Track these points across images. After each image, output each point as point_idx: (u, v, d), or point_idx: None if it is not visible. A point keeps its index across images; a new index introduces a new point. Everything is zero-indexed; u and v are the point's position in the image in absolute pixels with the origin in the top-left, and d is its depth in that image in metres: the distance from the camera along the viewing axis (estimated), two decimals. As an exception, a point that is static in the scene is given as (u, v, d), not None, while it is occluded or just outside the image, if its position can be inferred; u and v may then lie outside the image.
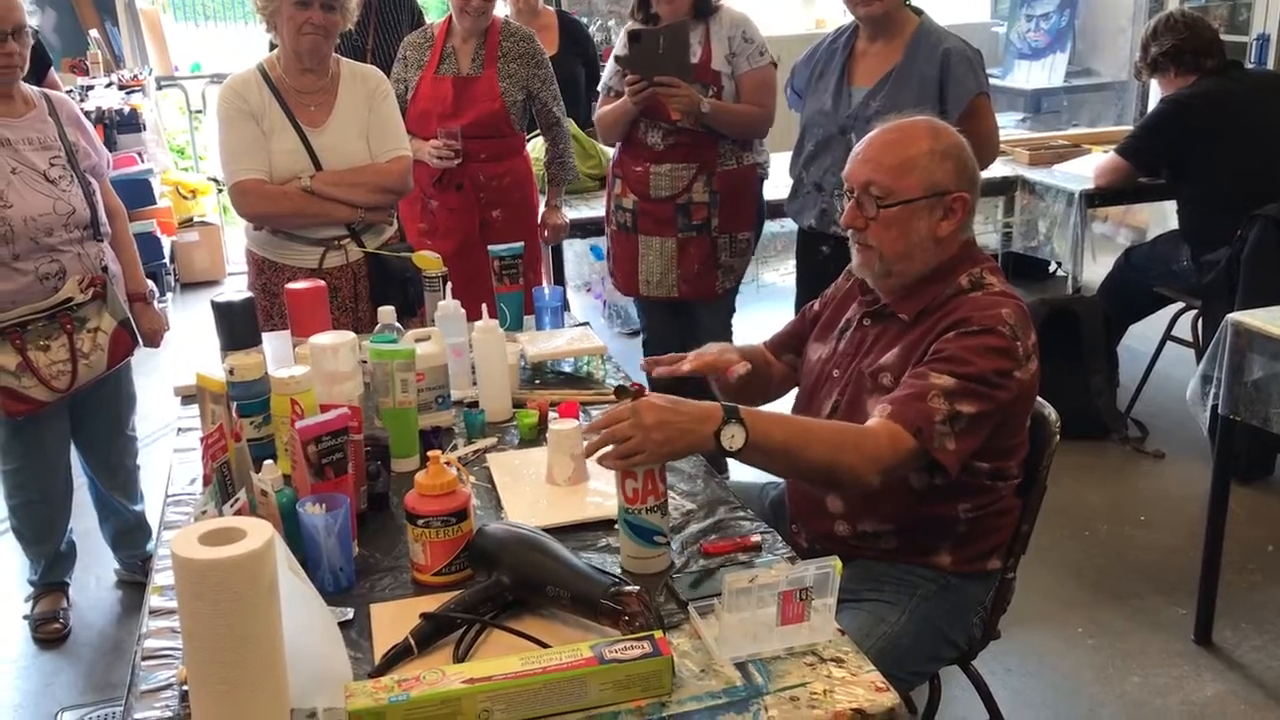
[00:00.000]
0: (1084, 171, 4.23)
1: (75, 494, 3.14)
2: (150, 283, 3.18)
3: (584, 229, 4.14)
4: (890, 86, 3.06)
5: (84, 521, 3.34)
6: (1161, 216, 5.24)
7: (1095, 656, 2.85)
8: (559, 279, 4.45)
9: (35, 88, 2.89)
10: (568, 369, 2.45)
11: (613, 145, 3.57)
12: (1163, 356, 4.09)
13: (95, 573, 3.37)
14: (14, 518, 3.06)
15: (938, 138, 1.86)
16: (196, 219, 6.38)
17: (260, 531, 1.24)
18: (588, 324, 2.68)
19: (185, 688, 1.36)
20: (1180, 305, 3.99)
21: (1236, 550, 2.86)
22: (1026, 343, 1.79)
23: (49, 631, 3.05)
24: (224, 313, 2.19)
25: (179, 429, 2.26)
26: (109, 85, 6.15)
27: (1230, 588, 2.88)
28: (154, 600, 1.61)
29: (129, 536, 3.25)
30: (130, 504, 3.23)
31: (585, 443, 1.66)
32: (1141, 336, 4.27)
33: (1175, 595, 3.03)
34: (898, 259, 1.87)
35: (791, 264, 3.79)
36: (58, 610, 3.10)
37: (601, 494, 1.85)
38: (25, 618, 3.11)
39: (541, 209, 3.79)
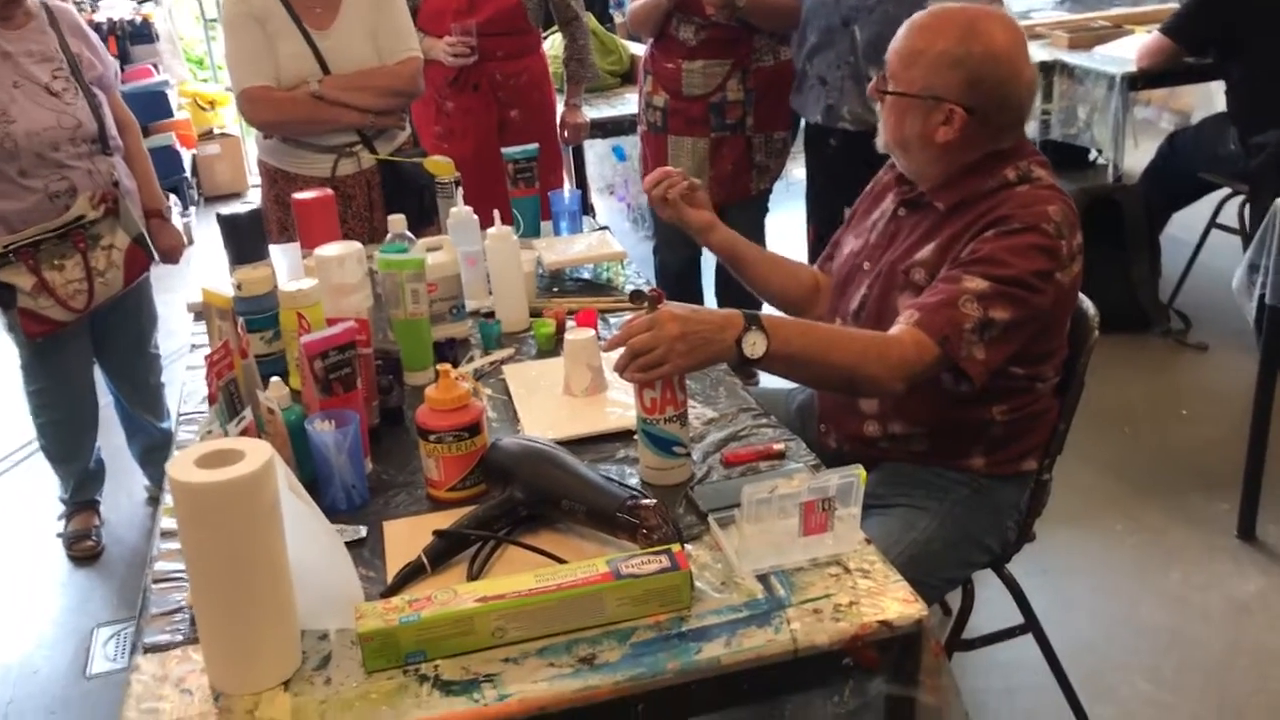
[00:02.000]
0: (1126, 54, 4.05)
1: (102, 412, 3.14)
2: (173, 197, 3.12)
3: (605, 129, 4.04)
4: None
5: (113, 439, 3.34)
6: (1207, 99, 5.03)
7: (1135, 554, 2.80)
8: (580, 182, 4.36)
9: None
10: (587, 276, 2.37)
11: (644, 41, 3.44)
12: (1207, 245, 3.96)
13: (127, 489, 3.38)
14: (42, 437, 3.07)
15: (966, 41, 1.69)
16: (217, 131, 6.31)
17: (259, 452, 1.19)
18: (607, 228, 2.61)
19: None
20: (1226, 191, 3.85)
21: (1279, 442, 2.78)
22: (1071, 243, 1.70)
23: (82, 549, 3.07)
24: (230, 226, 2.13)
25: (192, 346, 2.23)
26: (120, -5, 6.05)
27: (1273, 481, 2.81)
28: (164, 522, 1.58)
29: (157, 453, 3.24)
30: (157, 421, 3.22)
31: (606, 356, 1.61)
32: (1185, 225, 4.13)
33: (1218, 490, 2.96)
34: (894, 146, 1.81)
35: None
36: (90, 528, 3.11)
37: (620, 404, 1.79)
38: (59, 536, 3.14)
39: (560, 109, 3.68)
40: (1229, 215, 3.85)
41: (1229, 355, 3.73)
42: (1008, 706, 2.31)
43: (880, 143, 1.85)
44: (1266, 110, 3.47)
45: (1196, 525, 2.88)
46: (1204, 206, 3.96)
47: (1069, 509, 2.89)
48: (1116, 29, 4.39)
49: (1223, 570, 2.71)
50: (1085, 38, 4.32)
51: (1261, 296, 2.61)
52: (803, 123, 3.43)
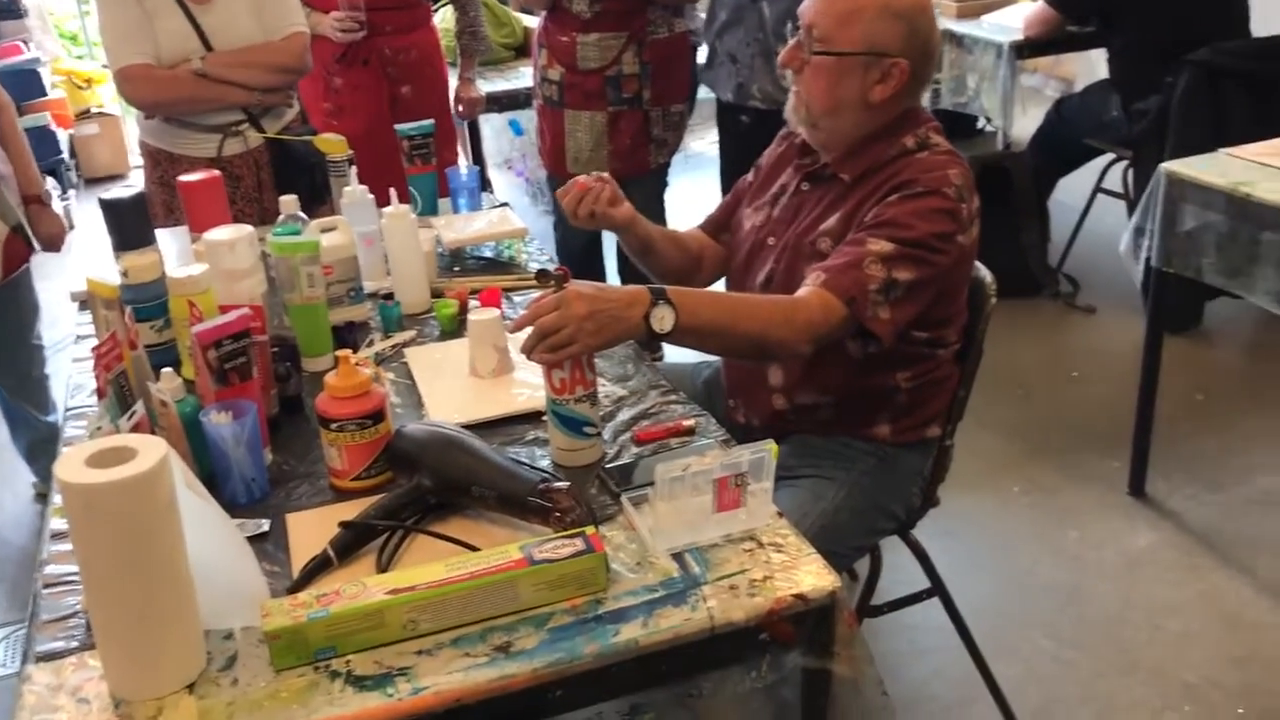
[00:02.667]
0: (1013, 22, 4.13)
1: (-19, 407, 3.00)
2: (51, 180, 2.98)
3: (501, 102, 3.98)
4: None
5: (-4, 435, 3.20)
6: (1090, 67, 5.16)
7: (1032, 514, 2.88)
8: (477, 157, 4.29)
9: None
10: (488, 254, 2.34)
11: (538, 14, 3.38)
12: (1093, 209, 4.07)
13: (12, 488, 3.25)
14: (-81, 434, 2.92)
15: None
16: (95, 110, 6.06)
17: (153, 449, 1.14)
18: (508, 205, 2.57)
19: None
20: (1111, 156, 3.95)
21: (1167, 401, 2.88)
22: (971, 206, 1.73)
23: (-35, 550, 2.95)
24: (113, 210, 2.03)
25: (78, 337, 2.13)
26: (-18, -32, 5.74)
27: (1161, 438, 2.91)
28: (54, 523, 1.51)
29: (43, 448, 3.11)
30: (41, 414, 3.09)
31: (513, 336, 1.57)
32: (1072, 190, 4.23)
33: (1109, 449, 3.05)
34: (823, 113, 1.77)
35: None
36: (-27, 528, 2.99)
37: (528, 385, 1.77)
38: (-60, 537, 3.00)
39: (454, 83, 3.61)
40: (1114, 180, 3.96)
41: (1116, 316, 3.85)
42: (917, 668, 2.36)
43: (798, 115, 1.81)
44: (1147, 77, 3.57)
45: (1090, 484, 2.97)
46: (1089, 172, 4.07)
47: (969, 473, 2.94)
48: (1003, -2, 4.47)
49: (1116, 527, 2.80)
50: (973, 7, 4.38)
51: (1147, 259, 2.69)
52: (713, 99, 3.42)
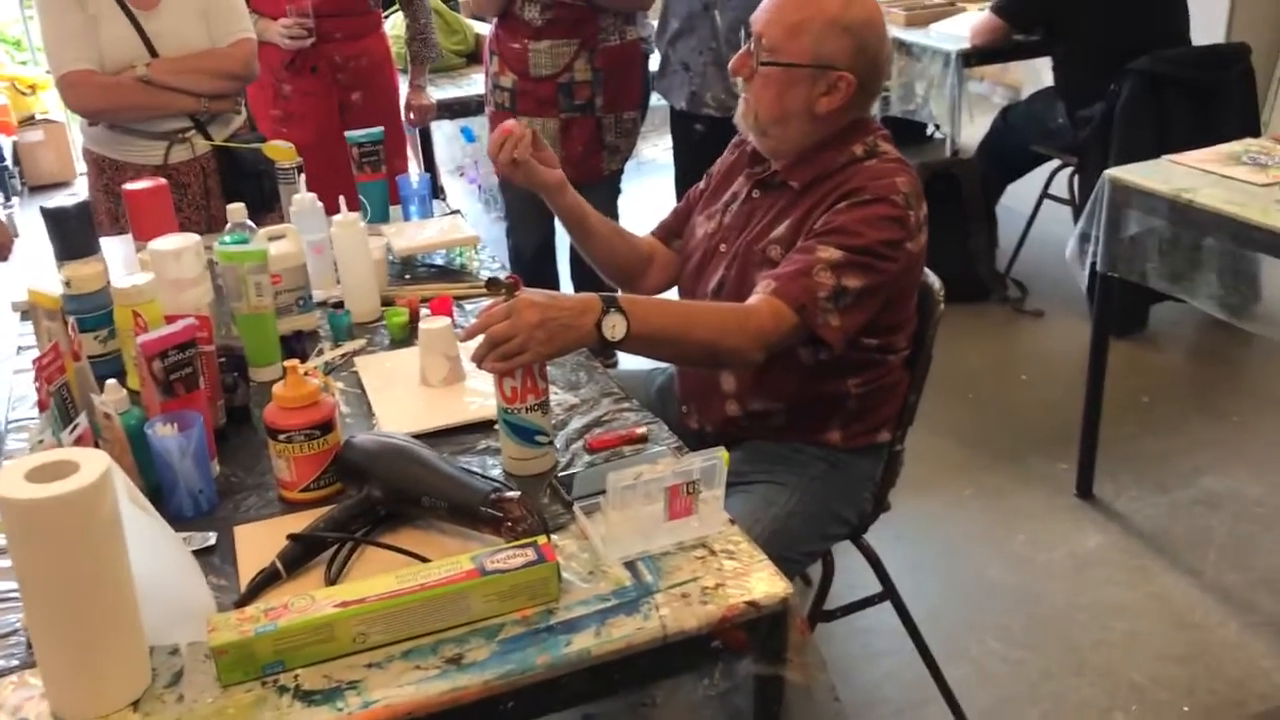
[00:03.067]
0: (960, 31, 4.18)
1: (-80, 420, 2.93)
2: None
3: (452, 109, 3.97)
4: None
5: (-66, 448, 3.13)
6: (1036, 74, 5.23)
7: (982, 517, 2.91)
8: (429, 164, 4.27)
9: None
10: (439, 262, 2.32)
11: (489, 21, 3.37)
12: (1040, 215, 4.12)
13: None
14: None
15: (849, 7, 1.72)
16: (39, 116, 5.96)
17: (95, 463, 1.12)
18: (459, 212, 2.55)
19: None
20: (1057, 163, 4.01)
21: (1112, 404, 2.92)
22: (919, 213, 1.74)
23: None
24: (56, 219, 2.00)
25: (19, 347, 2.10)
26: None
27: (1108, 441, 2.95)
28: (-6, 538, 1.48)
29: (-16, 461, 3.05)
30: (-18, 427, 3.03)
31: (464, 345, 1.56)
32: (1019, 196, 4.29)
33: (1057, 451, 3.10)
34: (771, 122, 1.79)
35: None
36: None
37: (479, 394, 1.76)
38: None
39: (405, 90, 3.60)
40: (1060, 186, 4.02)
41: (1063, 321, 3.91)
42: (869, 671, 2.38)
43: (747, 121, 1.82)
44: (1091, 85, 3.63)
45: (1038, 486, 3.01)
46: (1035, 178, 4.12)
47: (918, 477, 2.96)
48: (950, 6, 4.52)
49: (1063, 528, 2.84)
50: (921, 15, 4.44)
51: (1093, 264, 2.73)
52: (666, 106, 3.42)
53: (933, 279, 1.95)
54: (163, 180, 2.28)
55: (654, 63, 3.46)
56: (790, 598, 1.30)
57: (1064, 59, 3.89)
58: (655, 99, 3.50)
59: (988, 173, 4.09)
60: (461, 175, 5.47)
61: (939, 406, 3.31)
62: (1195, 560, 2.69)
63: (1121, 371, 3.44)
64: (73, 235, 1.99)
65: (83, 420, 1.47)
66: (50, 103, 6.06)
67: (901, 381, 1.94)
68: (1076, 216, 2.87)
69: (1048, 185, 4.07)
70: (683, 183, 3.54)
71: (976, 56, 4.15)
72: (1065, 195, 3.99)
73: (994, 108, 4.66)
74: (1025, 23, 3.94)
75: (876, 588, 2.09)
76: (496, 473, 1.57)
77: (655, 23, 3.39)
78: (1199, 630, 2.47)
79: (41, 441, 1.45)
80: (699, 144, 3.23)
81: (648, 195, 4.28)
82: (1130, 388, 3.42)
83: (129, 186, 2.22)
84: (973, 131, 4.44)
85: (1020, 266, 4.17)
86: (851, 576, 2.13)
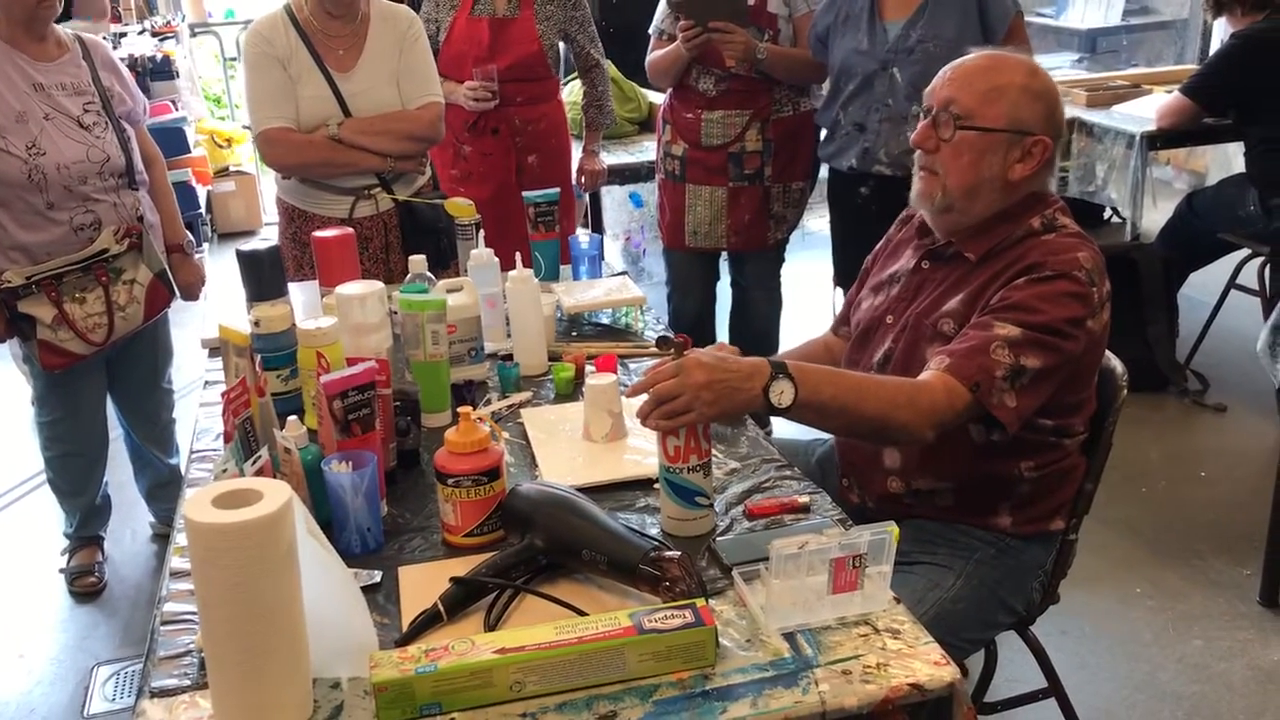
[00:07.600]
0: (1145, 113, 4.06)
1: (111, 446, 3.10)
2: (188, 233, 3.11)
3: (622, 175, 4.04)
4: (929, 14, 2.93)
5: (119, 474, 3.31)
6: (1224, 160, 5.04)
7: (1155, 618, 2.75)
8: (597, 227, 4.35)
9: (69, 30, 2.80)
10: (606, 320, 2.35)
11: (663, 91, 3.44)
12: (1226, 306, 3.93)
13: (131, 526, 3.34)
14: (50, 470, 3.03)
15: (1034, 76, 1.74)
16: (232, 168, 6.33)
17: (278, 493, 1.16)
18: (626, 273, 2.59)
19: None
20: (1245, 252, 3.83)
21: (1303, 508, 2.73)
22: (1101, 290, 1.68)
23: (84, 585, 3.03)
24: (249, 262, 2.10)
25: (206, 382, 2.20)
26: (141, 32, 6.08)
27: (1297, 547, 2.76)
28: (175, 561, 1.54)
29: (164, 490, 3.20)
30: (165, 457, 3.19)
31: (628, 401, 1.57)
32: (1202, 286, 4.11)
33: (1238, 555, 2.91)
34: (962, 193, 1.74)
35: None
36: (93, 564, 3.07)
37: (641, 451, 1.76)
38: (61, 571, 3.09)
39: (578, 155, 3.68)
40: (1248, 276, 3.83)
41: (1248, 417, 3.69)
42: (1027, 772, 2.25)
43: (931, 200, 1.77)
44: (1287, 172, 3.47)
45: (1217, 590, 2.83)
46: (1221, 267, 3.94)
47: (1087, 569, 2.84)
48: (1134, 88, 4.40)
49: (1246, 638, 2.65)
50: (1103, 96, 4.33)
51: (1286, 359, 2.58)
52: (826, 178, 3.40)
53: (1115, 362, 1.87)
54: (349, 229, 2.38)
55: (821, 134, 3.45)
56: (958, 683, 1.25)
57: (1257, 144, 3.72)
58: (826, 170, 3.49)
59: (1170, 259, 3.92)
60: (627, 240, 5.55)
61: (1110, 497, 3.17)
62: (1394, 683, 2.48)
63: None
64: (264, 277, 2.09)
65: (264, 453, 1.53)
66: (243, 155, 6.43)
67: (1078, 467, 1.85)
68: (1267, 309, 2.73)
69: (1235, 274, 3.88)
70: (841, 252, 3.49)
71: (1162, 139, 4.01)
72: (1254, 286, 3.80)
73: (1176, 193, 4.50)
74: (1217, 105, 3.79)
75: (1039, 682, 1.99)
76: (654, 532, 1.56)
77: (824, 92, 3.38)
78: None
79: (225, 471, 1.51)
80: (860, 207, 3.19)
81: (812, 267, 4.26)
82: (1322, 492, 3.20)
83: (319, 234, 2.32)
84: (1154, 217, 4.28)
85: (1202, 358, 3.97)
86: (1011, 669, 2.04)
